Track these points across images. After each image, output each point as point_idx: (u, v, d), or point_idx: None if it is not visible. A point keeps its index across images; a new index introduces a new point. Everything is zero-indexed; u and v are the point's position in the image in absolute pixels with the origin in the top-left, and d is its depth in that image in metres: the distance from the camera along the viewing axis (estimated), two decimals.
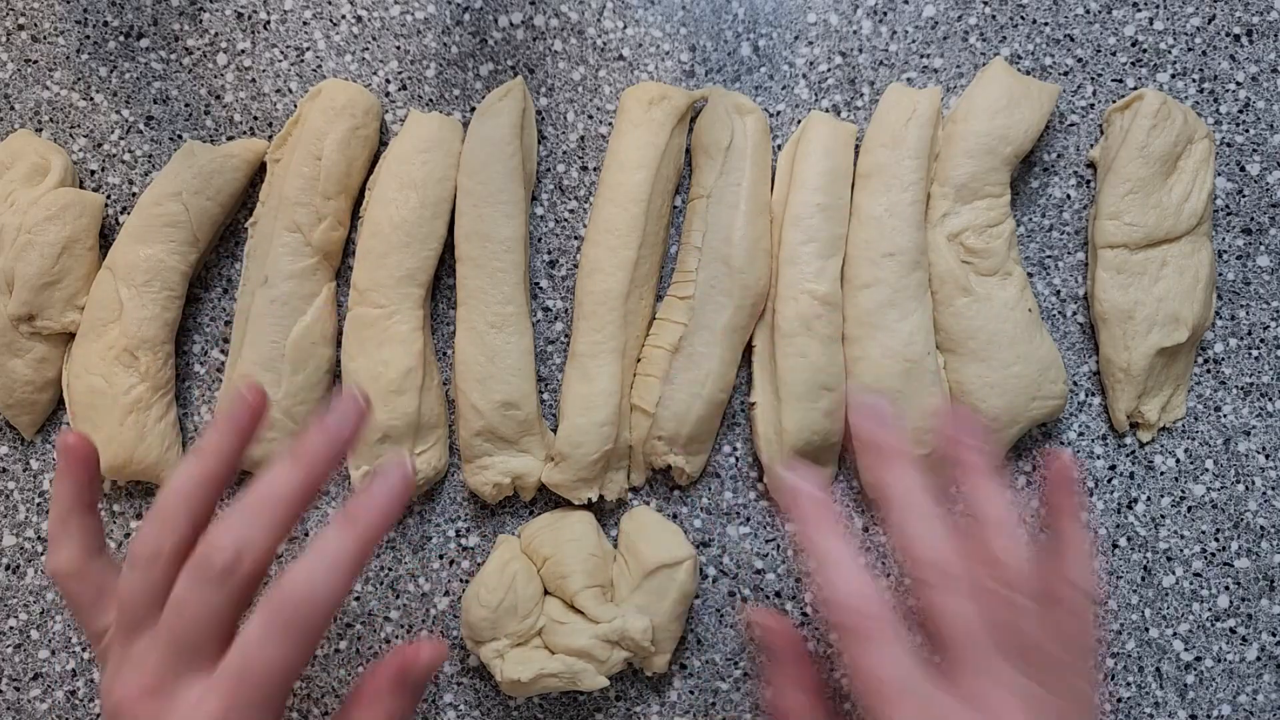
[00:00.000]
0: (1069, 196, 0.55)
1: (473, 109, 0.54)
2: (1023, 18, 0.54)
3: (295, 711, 0.54)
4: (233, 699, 0.37)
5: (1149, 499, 0.54)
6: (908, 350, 0.51)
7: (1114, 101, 0.54)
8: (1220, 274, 0.54)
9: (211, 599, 0.38)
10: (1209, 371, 0.54)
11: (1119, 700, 0.54)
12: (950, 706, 0.38)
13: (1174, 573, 0.54)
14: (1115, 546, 0.54)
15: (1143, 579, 0.54)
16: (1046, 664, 0.40)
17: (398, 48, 0.55)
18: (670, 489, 0.55)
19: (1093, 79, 0.55)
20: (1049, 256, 0.55)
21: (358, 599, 0.54)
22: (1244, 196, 0.54)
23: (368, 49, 0.55)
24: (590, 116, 0.55)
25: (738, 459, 0.55)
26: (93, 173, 0.55)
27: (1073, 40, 0.54)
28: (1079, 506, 0.44)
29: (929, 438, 0.51)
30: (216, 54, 0.55)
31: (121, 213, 0.55)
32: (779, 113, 0.55)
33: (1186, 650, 0.54)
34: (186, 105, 0.55)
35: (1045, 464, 0.45)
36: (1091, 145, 0.55)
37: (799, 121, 0.54)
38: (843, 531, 0.41)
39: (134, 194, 0.55)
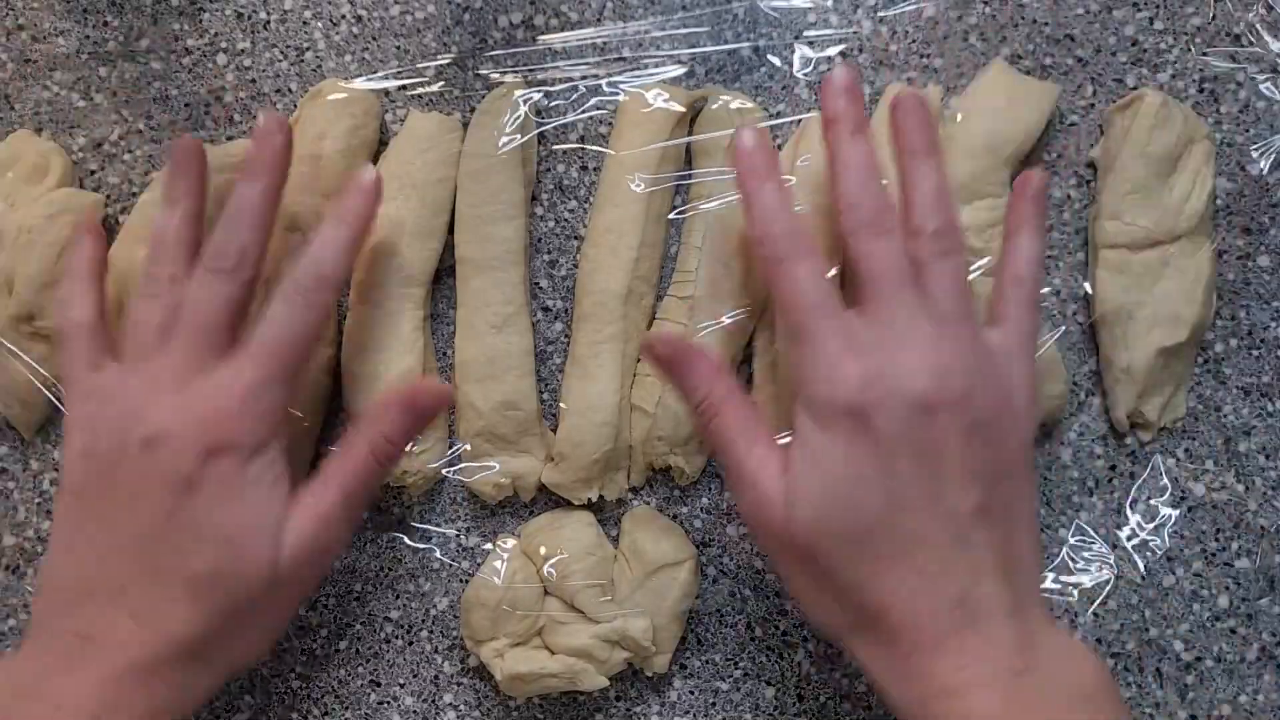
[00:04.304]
0: (1069, 196, 0.55)
1: (473, 109, 0.54)
2: (1023, 18, 0.54)
3: (295, 712, 0.54)
4: (265, 366, 0.44)
5: (1149, 499, 0.54)
6: None
7: (1114, 101, 0.54)
8: (1220, 274, 0.54)
9: (226, 291, 0.45)
10: (1209, 371, 0.54)
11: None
12: (860, 323, 0.43)
13: (1174, 573, 0.54)
14: (1115, 547, 0.54)
15: (1143, 579, 0.54)
16: (960, 313, 0.43)
17: (398, 48, 0.55)
18: (670, 489, 0.54)
19: (1093, 79, 0.55)
20: (1049, 256, 0.55)
21: (358, 599, 0.54)
22: (1244, 196, 0.54)
23: (368, 49, 0.55)
24: (590, 116, 0.55)
25: None
26: (92, 173, 0.55)
27: (1073, 40, 0.54)
28: (1039, 217, 0.47)
29: None
30: (216, 54, 0.55)
31: (121, 213, 0.55)
32: (779, 113, 0.55)
33: (1186, 650, 0.54)
34: (186, 105, 0.55)
35: (1018, 180, 0.48)
36: (1091, 145, 0.55)
37: (799, 121, 0.54)
38: (775, 176, 0.45)
39: (134, 194, 0.55)
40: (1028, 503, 0.44)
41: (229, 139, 0.55)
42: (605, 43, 0.55)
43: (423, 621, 0.55)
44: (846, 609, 0.43)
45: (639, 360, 0.53)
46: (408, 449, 0.52)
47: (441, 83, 0.55)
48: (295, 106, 0.55)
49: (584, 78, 0.55)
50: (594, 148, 0.55)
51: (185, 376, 0.44)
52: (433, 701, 0.54)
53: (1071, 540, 0.54)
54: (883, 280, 0.43)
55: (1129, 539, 0.54)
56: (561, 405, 0.53)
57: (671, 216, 0.54)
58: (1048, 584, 0.54)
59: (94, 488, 0.44)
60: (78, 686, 0.42)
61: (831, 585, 0.43)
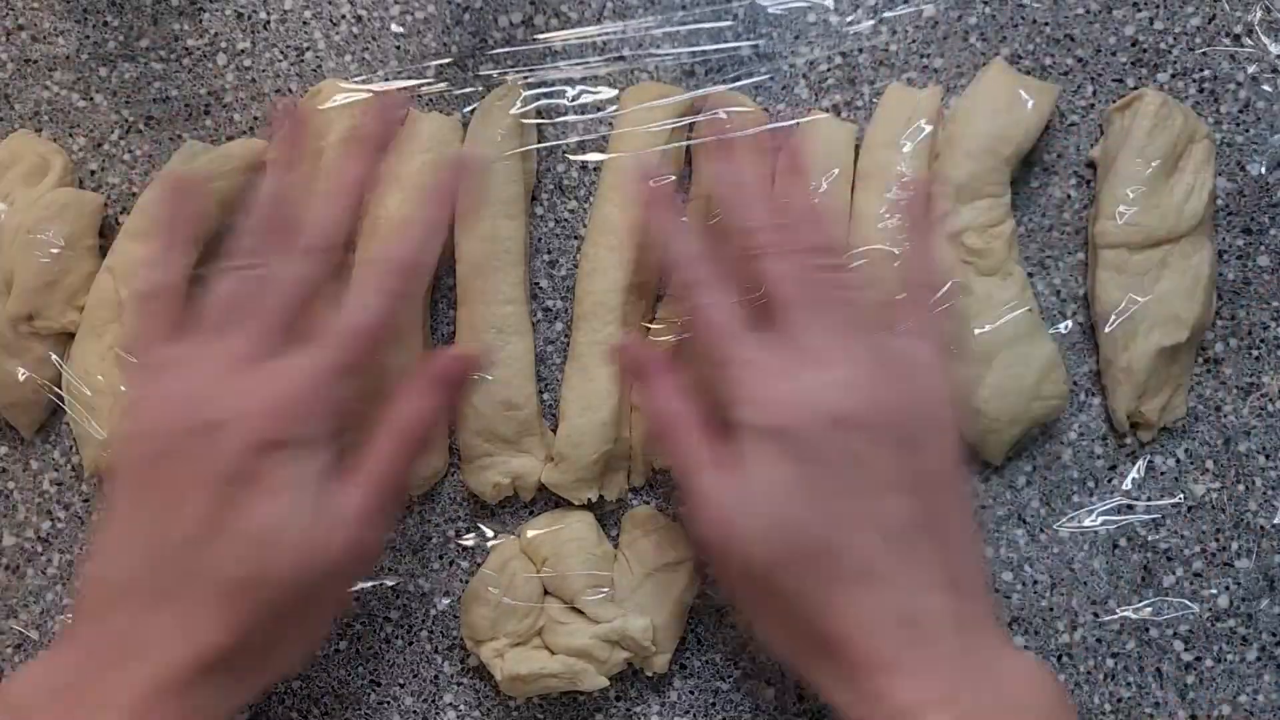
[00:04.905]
0: (1069, 196, 0.55)
1: (473, 109, 0.54)
2: (1023, 18, 0.54)
3: (295, 711, 0.54)
4: (341, 353, 0.42)
5: (1149, 499, 0.54)
6: None
7: (1114, 101, 0.54)
8: (1220, 274, 0.54)
9: (304, 273, 0.44)
10: (1209, 371, 0.54)
11: (1119, 700, 0.54)
12: (775, 344, 0.43)
13: (1174, 573, 0.54)
14: (1115, 547, 0.54)
15: (1143, 579, 0.54)
16: (867, 323, 0.44)
17: (398, 48, 0.55)
18: (670, 489, 0.54)
19: (1093, 79, 0.55)
20: (1049, 256, 0.55)
21: (358, 599, 0.54)
22: (1244, 196, 0.54)
23: (368, 49, 0.55)
24: (590, 116, 0.55)
25: None
26: (93, 173, 0.55)
27: (1073, 40, 0.54)
28: (924, 222, 0.49)
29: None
30: (216, 54, 0.55)
31: (121, 213, 0.55)
32: (779, 113, 0.55)
33: (1186, 650, 0.54)
34: (186, 105, 0.55)
35: (899, 197, 0.50)
36: (1091, 145, 0.55)
37: (799, 121, 0.54)
38: (675, 205, 0.48)
39: (134, 194, 0.55)
40: (963, 516, 0.44)
41: (229, 139, 0.55)
42: (605, 43, 0.55)
43: (423, 621, 0.55)
44: (804, 637, 0.43)
45: None
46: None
47: (442, 83, 0.55)
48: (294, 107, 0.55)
49: (584, 78, 0.55)
50: (594, 148, 0.55)
51: (256, 357, 0.42)
52: (433, 701, 0.54)
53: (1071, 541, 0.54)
54: (792, 300, 0.43)
55: (1129, 539, 0.54)
56: (561, 405, 0.53)
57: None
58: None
59: (147, 473, 0.42)
60: (117, 691, 0.40)
61: (789, 615, 0.42)
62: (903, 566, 0.41)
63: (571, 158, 0.55)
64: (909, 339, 0.45)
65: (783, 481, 0.41)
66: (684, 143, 0.53)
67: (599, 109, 0.55)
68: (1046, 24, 0.54)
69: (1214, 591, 0.54)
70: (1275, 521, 0.54)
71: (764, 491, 0.42)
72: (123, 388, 0.50)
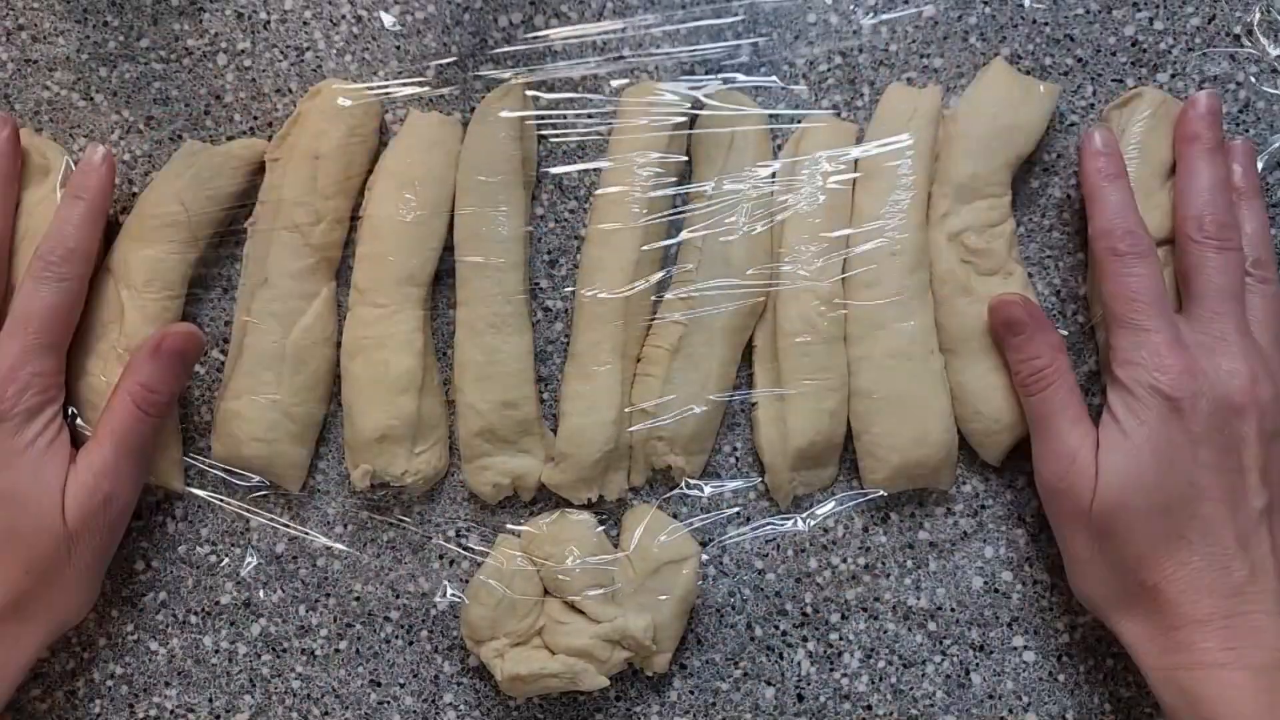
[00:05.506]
0: (1069, 196, 0.55)
1: (473, 109, 0.54)
2: (1023, 18, 0.54)
3: (295, 712, 0.54)
4: (22, 337, 0.48)
5: None
6: (910, 350, 0.51)
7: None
8: None
9: None
10: None
11: (1119, 700, 0.54)
12: (1186, 324, 0.48)
13: None
14: None
15: None
16: (1274, 335, 0.48)
17: (398, 48, 0.55)
18: (670, 489, 0.54)
19: (1093, 79, 0.55)
20: (1049, 256, 0.55)
21: (358, 599, 0.54)
22: None
23: (368, 49, 0.55)
24: (590, 116, 0.55)
25: (738, 459, 0.55)
26: None
27: (1073, 40, 0.54)
28: None
29: (933, 437, 0.51)
30: (216, 54, 0.55)
31: (121, 213, 0.55)
32: (779, 113, 0.55)
33: None
34: (186, 105, 0.55)
35: None
36: None
37: (799, 121, 0.54)
38: (1123, 175, 0.50)
39: (134, 194, 0.55)
40: None
41: (229, 139, 0.55)
42: (605, 42, 0.55)
43: (423, 621, 0.55)
44: (1121, 580, 0.47)
45: (639, 359, 0.53)
46: (413, 450, 0.52)
47: (442, 83, 0.55)
48: (295, 106, 0.55)
49: (584, 78, 0.55)
50: (594, 148, 0.55)
51: None
52: (433, 701, 0.54)
53: None
54: (1216, 291, 0.48)
55: None
56: (561, 405, 0.53)
57: (672, 216, 0.54)
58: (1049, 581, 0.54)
59: None
60: None
61: (1114, 557, 0.47)
62: (1244, 547, 0.45)
63: (570, 156, 0.55)
64: None
65: (1159, 442, 0.46)
66: (684, 139, 0.53)
67: (599, 108, 0.55)
68: (1046, 24, 0.54)
69: None
70: None
71: (1138, 446, 0.46)
72: None
